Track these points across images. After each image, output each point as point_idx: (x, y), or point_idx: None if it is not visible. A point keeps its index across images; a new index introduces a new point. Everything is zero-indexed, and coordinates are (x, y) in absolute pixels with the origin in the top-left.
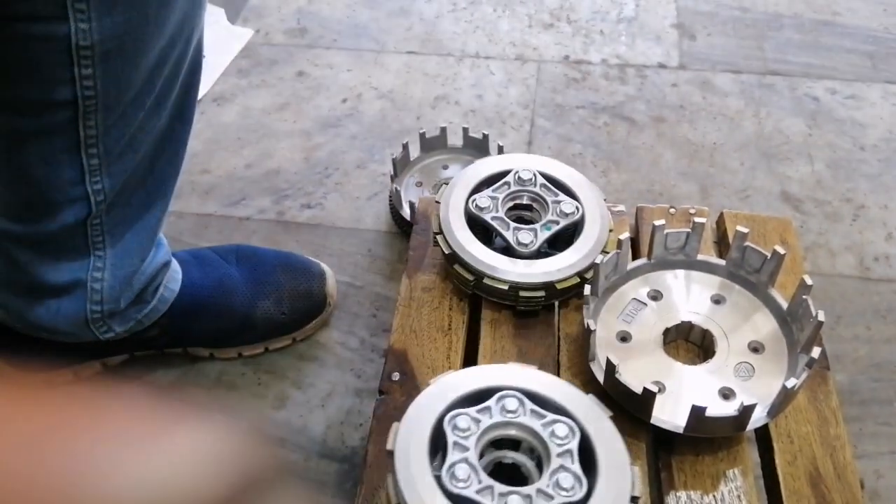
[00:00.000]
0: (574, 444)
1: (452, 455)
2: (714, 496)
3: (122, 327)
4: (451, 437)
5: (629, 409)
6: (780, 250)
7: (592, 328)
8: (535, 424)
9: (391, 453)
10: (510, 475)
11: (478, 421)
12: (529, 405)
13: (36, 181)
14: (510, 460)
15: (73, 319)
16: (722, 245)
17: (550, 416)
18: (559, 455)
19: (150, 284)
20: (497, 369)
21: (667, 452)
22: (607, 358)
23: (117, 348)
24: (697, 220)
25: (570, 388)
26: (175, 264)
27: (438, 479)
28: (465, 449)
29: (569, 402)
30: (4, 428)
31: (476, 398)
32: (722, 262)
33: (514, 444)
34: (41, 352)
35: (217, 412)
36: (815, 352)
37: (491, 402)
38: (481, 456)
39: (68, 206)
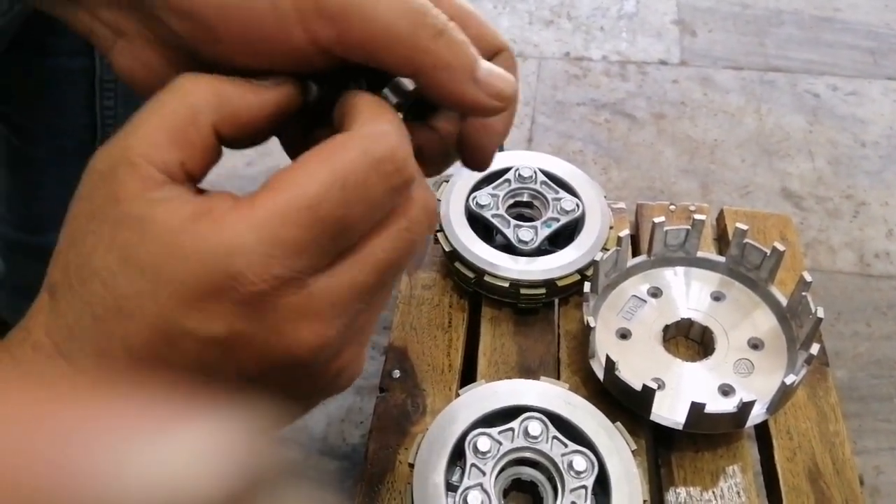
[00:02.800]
0: (590, 481)
1: (469, 478)
2: (713, 492)
3: None
4: (469, 459)
5: (629, 405)
6: (780, 247)
7: (592, 325)
8: (556, 454)
9: (412, 466)
10: (528, 490)
11: (499, 443)
12: (553, 431)
13: (50, 198)
14: (528, 478)
15: None
16: (722, 242)
17: (572, 447)
18: (573, 490)
19: None
20: (527, 385)
21: (666, 449)
22: (607, 355)
23: None
24: (697, 217)
25: (597, 415)
26: None
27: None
28: (483, 473)
29: (593, 431)
30: (5, 424)
31: (502, 415)
32: (722, 259)
33: (533, 462)
34: None
35: (222, 409)
36: (815, 348)
37: (514, 424)
38: (501, 471)
39: None
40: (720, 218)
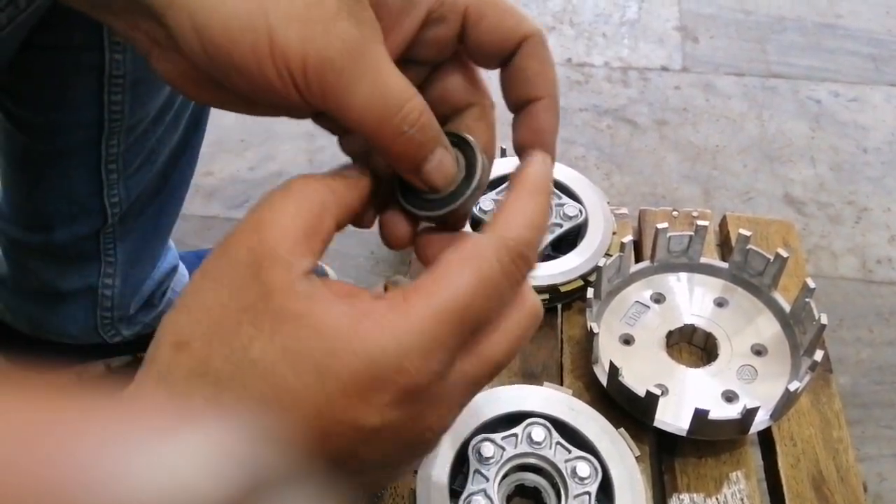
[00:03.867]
0: (594, 488)
1: (472, 484)
2: (717, 499)
3: (129, 331)
4: (473, 465)
5: (632, 411)
6: (783, 253)
7: (596, 331)
8: (559, 460)
9: (415, 472)
10: (532, 495)
11: (502, 449)
12: (556, 437)
13: (54, 194)
14: (532, 483)
15: (82, 324)
16: (725, 248)
17: (576, 453)
18: (577, 496)
19: (158, 289)
20: (530, 391)
21: (670, 455)
22: (610, 361)
23: (121, 349)
24: (700, 223)
25: (600, 420)
26: (182, 268)
27: None
28: (486, 479)
29: (597, 436)
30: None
31: (505, 421)
32: (725, 265)
33: (537, 468)
34: (44, 352)
35: (225, 412)
36: (818, 355)
37: (518, 430)
38: (504, 476)
39: (84, 218)
40: (723, 224)
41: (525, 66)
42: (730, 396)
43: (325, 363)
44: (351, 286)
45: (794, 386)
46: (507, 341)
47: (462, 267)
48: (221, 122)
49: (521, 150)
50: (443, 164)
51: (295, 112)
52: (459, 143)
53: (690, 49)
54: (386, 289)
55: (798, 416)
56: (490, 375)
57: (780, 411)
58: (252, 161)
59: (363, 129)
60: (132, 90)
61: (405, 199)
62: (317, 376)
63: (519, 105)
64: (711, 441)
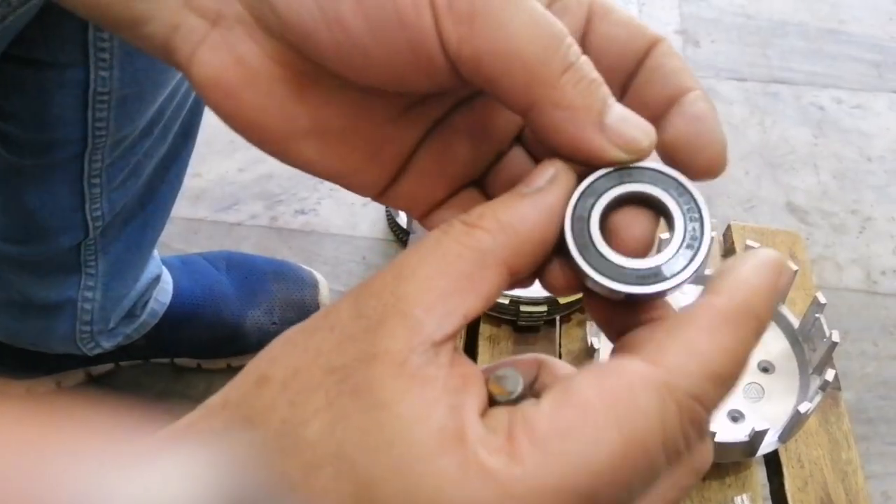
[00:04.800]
0: None
1: None
2: None
3: (110, 343)
4: None
5: None
6: (793, 266)
7: (596, 346)
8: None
9: None
10: None
11: None
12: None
13: (34, 208)
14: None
15: (60, 337)
16: (729, 258)
17: None
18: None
19: (140, 299)
20: None
21: None
22: None
23: (102, 358)
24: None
25: None
26: (166, 275)
27: None
28: None
29: None
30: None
31: None
32: None
33: None
34: (23, 359)
35: (209, 433)
36: (830, 374)
37: None
38: None
39: (64, 231)
40: (727, 233)
41: (663, 63)
42: (735, 416)
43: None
44: (467, 375)
45: (804, 407)
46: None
47: (607, 418)
48: (210, 122)
49: (678, 151)
50: (628, 120)
51: (415, 81)
52: (659, 181)
53: (691, 53)
54: (491, 398)
55: (806, 436)
56: None
57: (788, 433)
58: (242, 162)
59: (520, 70)
60: (119, 107)
61: (583, 254)
62: None
63: (662, 107)
64: (716, 463)
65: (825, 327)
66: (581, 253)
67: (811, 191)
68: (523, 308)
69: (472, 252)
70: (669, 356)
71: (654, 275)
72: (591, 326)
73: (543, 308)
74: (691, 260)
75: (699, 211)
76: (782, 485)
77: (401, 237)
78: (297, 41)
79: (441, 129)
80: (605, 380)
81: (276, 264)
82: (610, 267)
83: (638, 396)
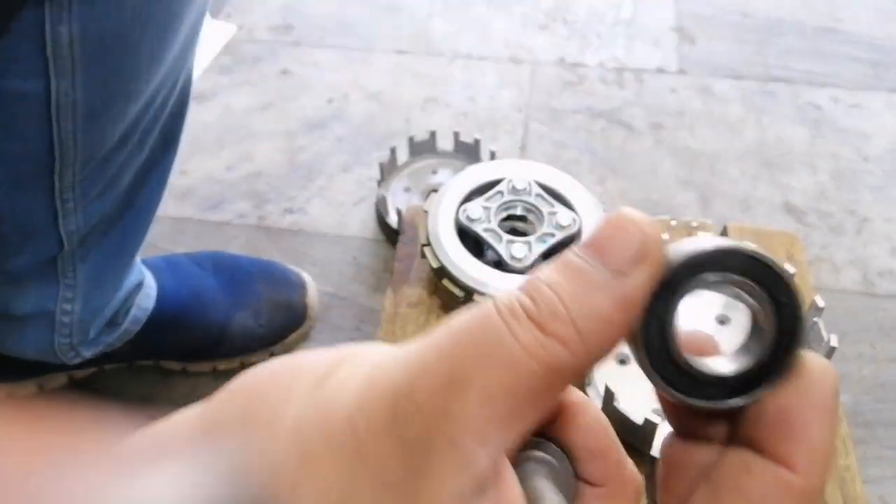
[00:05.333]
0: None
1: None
2: None
3: (90, 352)
4: None
5: (628, 439)
6: (791, 269)
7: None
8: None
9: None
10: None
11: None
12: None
13: (4, 222)
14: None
15: (38, 348)
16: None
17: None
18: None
19: (122, 308)
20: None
21: None
22: (606, 386)
23: (85, 362)
24: (701, 234)
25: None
26: (150, 280)
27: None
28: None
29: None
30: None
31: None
32: None
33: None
34: (4, 363)
35: (198, 446)
36: None
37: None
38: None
39: (38, 245)
40: (724, 234)
41: None
42: None
43: None
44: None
45: None
46: None
47: None
48: (198, 120)
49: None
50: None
51: None
52: (756, 272)
53: (687, 51)
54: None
55: None
56: None
57: None
58: (229, 160)
59: (583, 450)
60: (87, 122)
61: (654, 364)
62: None
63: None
64: None
65: (823, 332)
66: (654, 364)
67: (808, 191)
68: None
69: (545, 371)
70: (793, 455)
71: (741, 384)
72: None
73: None
74: (783, 366)
75: (792, 296)
76: None
77: (391, 237)
78: None
79: None
80: None
81: (263, 265)
82: (683, 379)
83: None
